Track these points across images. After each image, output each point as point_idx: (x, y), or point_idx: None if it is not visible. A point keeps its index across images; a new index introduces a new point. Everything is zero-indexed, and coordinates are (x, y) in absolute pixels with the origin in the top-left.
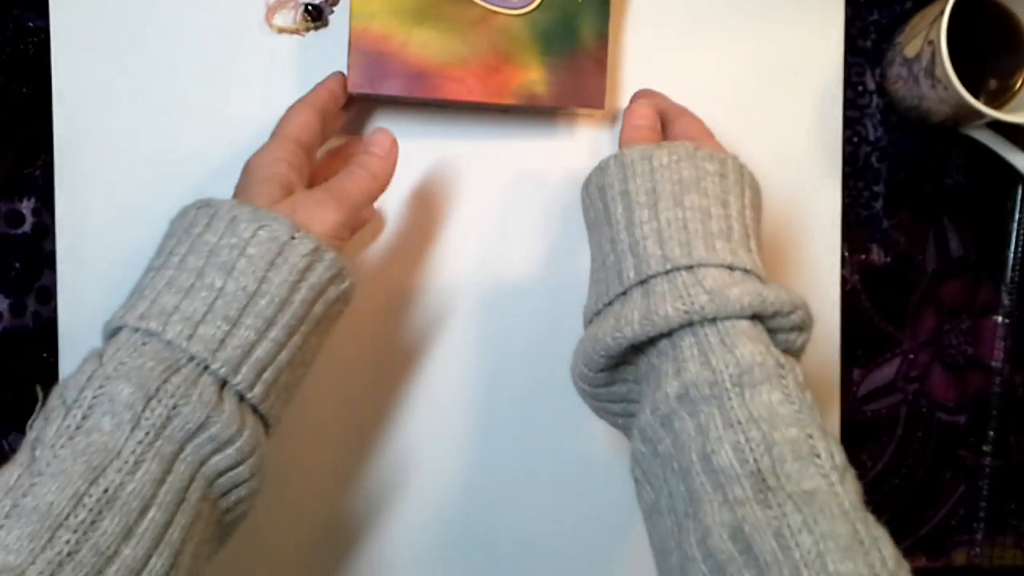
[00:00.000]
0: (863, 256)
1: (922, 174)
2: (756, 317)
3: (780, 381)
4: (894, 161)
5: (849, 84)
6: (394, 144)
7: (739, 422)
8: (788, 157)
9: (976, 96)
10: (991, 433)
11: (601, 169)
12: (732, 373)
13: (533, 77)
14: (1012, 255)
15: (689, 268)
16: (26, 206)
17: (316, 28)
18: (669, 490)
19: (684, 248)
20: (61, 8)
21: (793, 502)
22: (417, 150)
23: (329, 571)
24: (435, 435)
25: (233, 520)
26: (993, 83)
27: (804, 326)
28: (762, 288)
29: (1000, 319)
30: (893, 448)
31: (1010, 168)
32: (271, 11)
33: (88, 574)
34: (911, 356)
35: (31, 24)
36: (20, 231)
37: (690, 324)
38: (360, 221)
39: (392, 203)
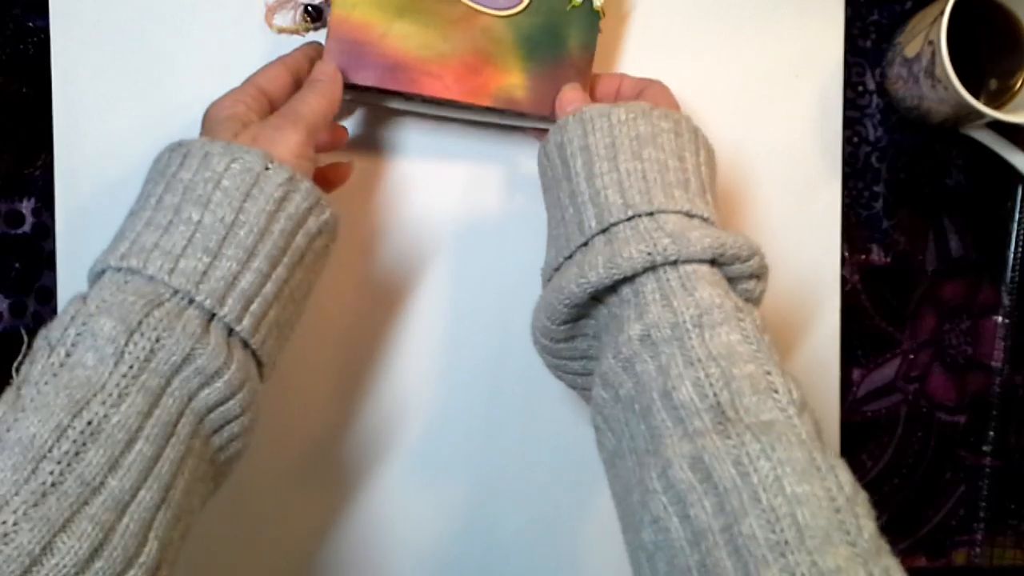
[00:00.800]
0: (863, 256)
1: (922, 174)
2: (715, 264)
3: (739, 323)
4: (894, 161)
5: (849, 84)
6: (336, 70)
7: (699, 360)
8: (788, 157)
9: (976, 96)
10: (991, 433)
11: (560, 127)
12: (692, 314)
13: (513, 81)
14: (1012, 255)
15: (650, 214)
16: (26, 206)
17: (316, 28)
18: (630, 432)
19: (644, 196)
20: (61, 8)
21: (751, 432)
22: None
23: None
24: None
25: (228, 459)
26: (993, 83)
27: (761, 274)
28: (720, 233)
29: (1000, 319)
30: (893, 448)
31: (1010, 168)
32: (271, 11)
33: (73, 504)
34: (911, 356)
35: (31, 24)
36: (20, 231)
37: (652, 268)
38: (328, 144)
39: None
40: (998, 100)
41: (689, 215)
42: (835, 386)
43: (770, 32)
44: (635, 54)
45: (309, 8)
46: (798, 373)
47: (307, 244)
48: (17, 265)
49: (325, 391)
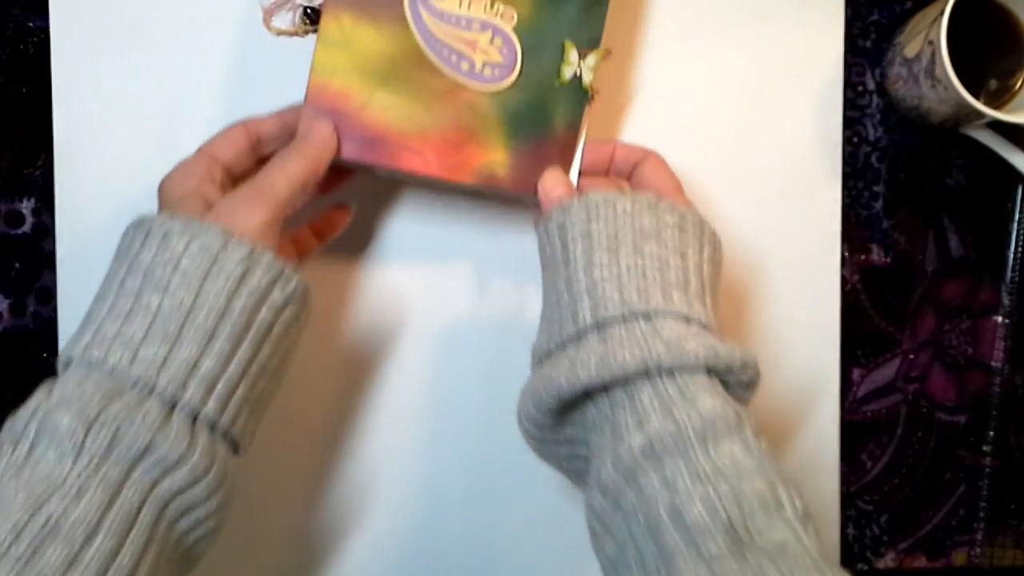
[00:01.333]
0: (863, 256)
1: (922, 174)
2: (709, 371)
3: (740, 435)
4: (894, 161)
5: (849, 84)
6: (332, 132)
7: (706, 475)
8: (788, 157)
9: (976, 96)
10: (991, 433)
11: (564, 209)
12: (696, 426)
13: (496, 159)
14: (1012, 255)
15: (646, 316)
16: (26, 206)
17: (315, 31)
18: (636, 544)
19: (642, 295)
20: (61, 8)
21: (767, 556)
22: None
23: None
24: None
25: (197, 540)
26: (993, 83)
27: (753, 384)
28: (716, 343)
29: (1000, 319)
30: (893, 448)
31: (1010, 168)
32: (268, 13)
33: None
34: (911, 356)
35: (31, 24)
36: (20, 231)
37: (646, 374)
38: (322, 224)
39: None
40: (998, 100)
41: (687, 319)
42: (835, 386)
43: (770, 32)
44: (635, 55)
45: (308, 10)
46: (798, 373)
47: (273, 318)
48: (17, 265)
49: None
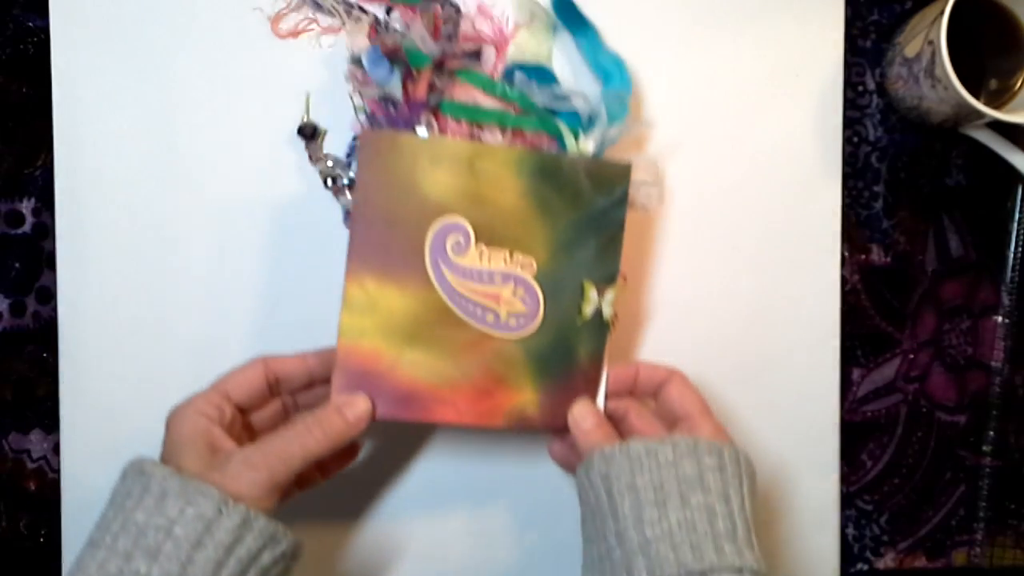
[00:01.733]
0: (863, 256)
1: (922, 174)
2: None
3: None
4: (894, 161)
5: (849, 84)
6: (367, 412)
7: None
8: (788, 157)
9: (976, 96)
10: (991, 433)
11: (607, 459)
12: None
13: (525, 399)
14: (1012, 255)
15: (702, 574)
16: (26, 206)
17: (309, 148)
18: None
19: (696, 552)
20: (61, 8)
21: None
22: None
23: None
24: None
25: None
26: (993, 83)
27: None
28: None
29: (1000, 319)
30: (893, 448)
31: (1010, 168)
32: (276, 21)
33: None
34: (911, 356)
35: (31, 24)
36: (20, 231)
37: None
38: (331, 466)
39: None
40: (998, 100)
41: (740, 570)
42: (835, 386)
43: (770, 32)
44: (636, 55)
45: (303, 127)
46: (798, 373)
47: None
48: (17, 265)
49: None
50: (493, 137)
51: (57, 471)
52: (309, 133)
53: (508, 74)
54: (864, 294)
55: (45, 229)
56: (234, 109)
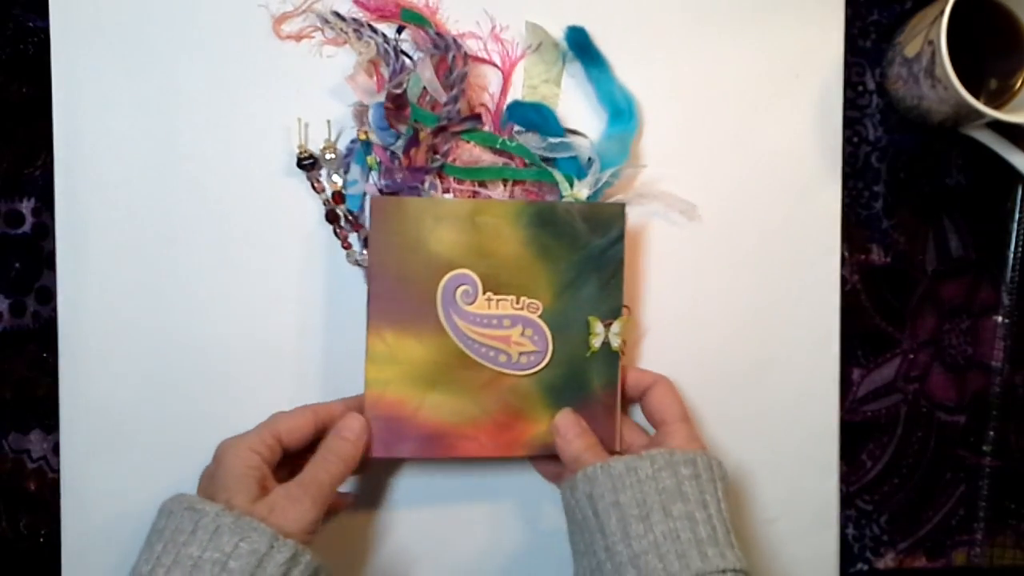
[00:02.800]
0: (863, 256)
1: (922, 174)
2: None
3: None
4: (894, 161)
5: (849, 84)
6: (364, 428)
7: None
8: (788, 157)
9: (976, 96)
10: (991, 433)
11: (589, 479)
12: None
13: (544, 429)
14: (1012, 255)
15: None
16: (26, 206)
17: (310, 178)
18: None
19: (682, 560)
20: (61, 8)
21: None
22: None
23: None
24: None
25: None
26: (993, 83)
27: None
28: None
29: (1000, 319)
30: (893, 448)
31: (1010, 168)
32: (279, 22)
33: None
34: (911, 356)
35: (31, 24)
36: (20, 231)
37: None
38: (333, 506)
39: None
40: (998, 100)
41: (723, 572)
42: (835, 386)
43: (770, 32)
44: (636, 55)
45: (301, 159)
46: (798, 373)
47: None
48: (17, 265)
49: None
50: (496, 192)
51: (57, 471)
52: (308, 164)
53: (510, 109)
54: (864, 294)
55: (45, 229)
56: (234, 109)
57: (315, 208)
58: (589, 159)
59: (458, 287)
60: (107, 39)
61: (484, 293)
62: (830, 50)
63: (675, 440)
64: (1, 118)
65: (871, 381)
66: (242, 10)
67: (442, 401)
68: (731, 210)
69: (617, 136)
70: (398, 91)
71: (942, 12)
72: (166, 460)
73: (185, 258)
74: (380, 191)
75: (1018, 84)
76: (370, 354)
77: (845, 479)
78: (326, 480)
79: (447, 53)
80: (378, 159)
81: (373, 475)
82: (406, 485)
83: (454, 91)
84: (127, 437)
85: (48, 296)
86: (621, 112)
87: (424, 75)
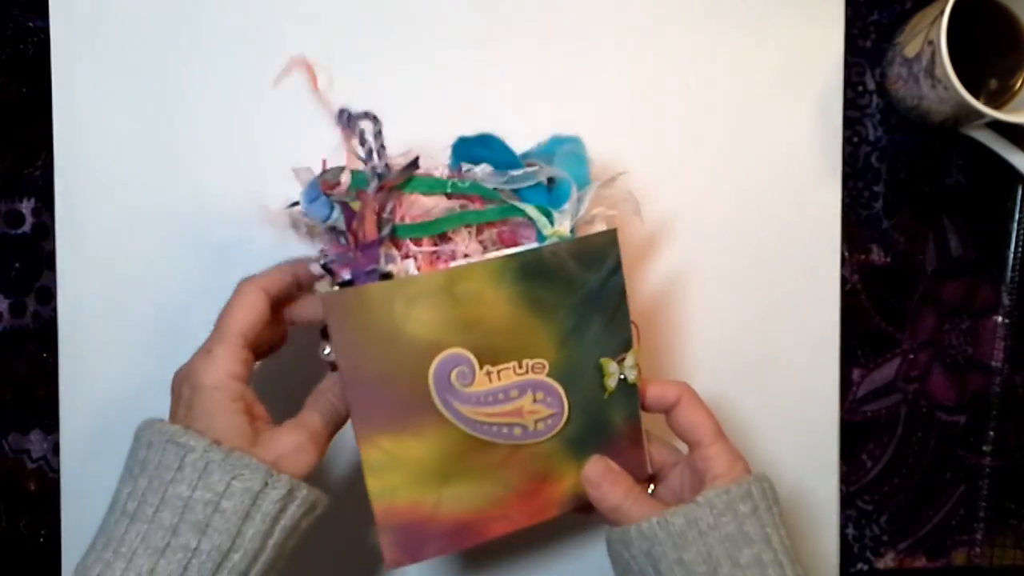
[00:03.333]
0: (863, 256)
1: (922, 174)
2: None
3: None
4: (894, 161)
5: (849, 84)
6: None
7: None
8: (788, 157)
9: (976, 96)
10: (991, 433)
11: (647, 537)
12: None
13: (573, 482)
14: (1012, 255)
15: None
16: (26, 206)
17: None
18: None
19: None
20: (61, 8)
21: None
22: None
23: None
24: None
25: None
26: (993, 83)
27: None
28: None
29: (1000, 319)
30: (893, 448)
31: (1010, 168)
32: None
33: None
34: (911, 356)
35: (31, 24)
36: (20, 231)
37: None
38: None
39: None
40: (998, 100)
41: None
42: (835, 386)
43: (770, 32)
44: (636, 55)
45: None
46: (798, 373)
47: (296, 541)
48: (17, 265)
49: None
50: (461, 241)
51: (57, 471)
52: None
53: (456, 148)
54: (864, 294)
55: (45, 229)
56: (233, 109)
57: None
58: (550, 179)
59: (452, 370)
60: (107, 39)
61: (482, 368)
62: (830, 50)
63: (717, 466)
64: (1, 118)
65: (871, 381)
66: (241, 10)
67: (460, 493)
68: (731, 210)
69: (565, 154)
70: (330, 177)
71: (942, 12)
72: None
73: (185, 258)
74: (332, 275)
75: (1018, 84)
76: (367, 465)
77: (845, 479)
78: (323, 430)
79: (353, 122)
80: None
81: None
82: None
83: (371, 145)
84: (127, 437)
85: (48, 296)
86: (556, 143)
87: (344, 146)
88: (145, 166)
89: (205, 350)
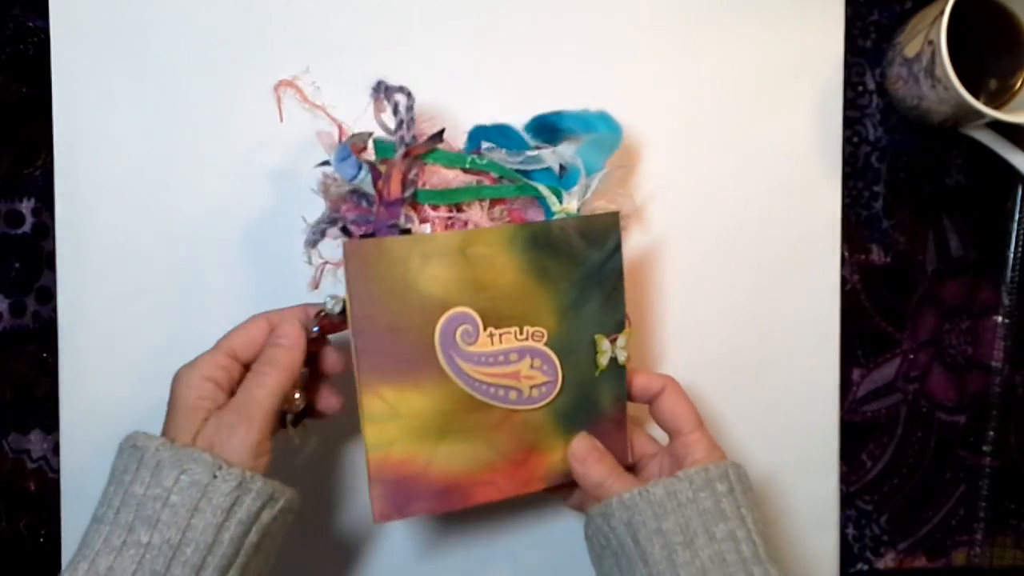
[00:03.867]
0: (863, 256)
1: (922, 174)
2: None
3: None
4: (894, 161)
5: (849, 84)
6: (300, 334)
7: None
8: (788, 157)
9: (976, 96)
10: (991, 433)
11: (627, 506)
12: None
13: (559, 457)
14: (1012, 255)
15: None
16: (26, 206)
17: (336, 329)
18: None
19: None
20: (61, 8)
21: None
22: None
23: None
24: None
25: None
26: (993, 83)
27: None
28: None
29: (1000, 319)
30: (893, 448)
31: (1010, 168)
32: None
33: None
34: (911, 356)
35: (31, 24)
36: (20, 231)
37: None
38: (316, 413)
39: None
40: (998, 100)
41: None
42: (835, 386)
43: (770, 32)
44: (636, 55)
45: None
46: (798, 373)
47: (261, 537)
48: (17, 265)
49: None
50: (474, 213)
51: (57, 471)
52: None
53: (472, 136)
54: (864, 294)
55: (45, 229)
56: (233, 109)
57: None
58: (561, 167)
59: (457, 328)
60: (107, 39)
61: (485, 330)
62: (830, 50)
63: (696, 452)
64: (1, 118)
65: (871, 381)
66: (241, 10)
67: (454, 451)
68: (731, 210)
69: (595, 140)
70: (358, 141)
71: (942, 12)
72: None
73: (185, 258)
74: (350, 236)
75: (1018, 84)
76: (367, 415)
77: (845, 479)
78: (262, 396)
79: (389, 94)
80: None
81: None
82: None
83: (403, 116)
84: None
85: (48, 296)
86: (596, 125)
87: (375, 118)
88: (145, 166)
89: (227, 425)
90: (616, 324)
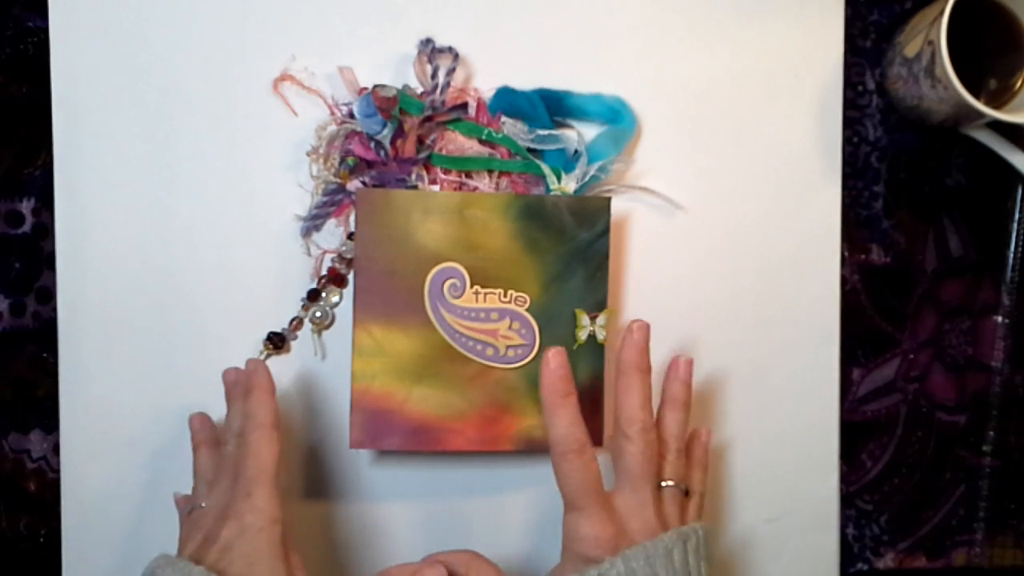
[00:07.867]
0: (863, 256)
1: (922, 174)
2: None
3: None
4: (894, 161)
5: (849, 84)
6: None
7: None
8: (788, 157)
9: (976, 96)
10: (991, 433)
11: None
12: None
13: (531, 423)
14: (1012, 255)
15: None
16: (26, 206)
17: (278, 353)
18: None
19: None
20: (61, 8)
21: None
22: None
23: None
24: None
25: None
26: (993, 83)
27: None
28: None
29: (1000, 319)
30: (893, 448)
31: (1010, 168)
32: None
33: None
34: (911, 356)
35: (31, 24)
36: (20, 231)
37: None
38: None
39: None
40: (998, 100)
41: None
42: (835, 386)
43: (770, 32)
44: (636, 55)
45: (272, 336)
46: (798, 373)
47: None
48: (17, 265)
49: None
50: (482, 182)
51: (57, 471)
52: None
53: (499, 95)
54: (864, 294)
55: (45, 229)
56: (233, 108)
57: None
58: (576, 152)
59: (446, 280)
60: (107, 39)
61: (472, 287)
62: (830, 50)
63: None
64: (1, 118)
65: (871, 381)
66: (241, 10)
67: (428, 394)
68: (731, 210)
69: (613, 133)
70: (385, 94)
71: (942, 12)
72: (166, 461)
73: (185, 258)
74: (364, 184)
75: (1018, 84)
76: (357, 347)
77: (845, 479)
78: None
79: (434, 52)
80: (357, 157)
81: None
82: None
83: (440, 81)
84: (127, 437)
85: (48, 296)
86: (618, 114)
87: (414, 69)
88: (145, 166)
89: (244, 493)
90: (598, 303)
